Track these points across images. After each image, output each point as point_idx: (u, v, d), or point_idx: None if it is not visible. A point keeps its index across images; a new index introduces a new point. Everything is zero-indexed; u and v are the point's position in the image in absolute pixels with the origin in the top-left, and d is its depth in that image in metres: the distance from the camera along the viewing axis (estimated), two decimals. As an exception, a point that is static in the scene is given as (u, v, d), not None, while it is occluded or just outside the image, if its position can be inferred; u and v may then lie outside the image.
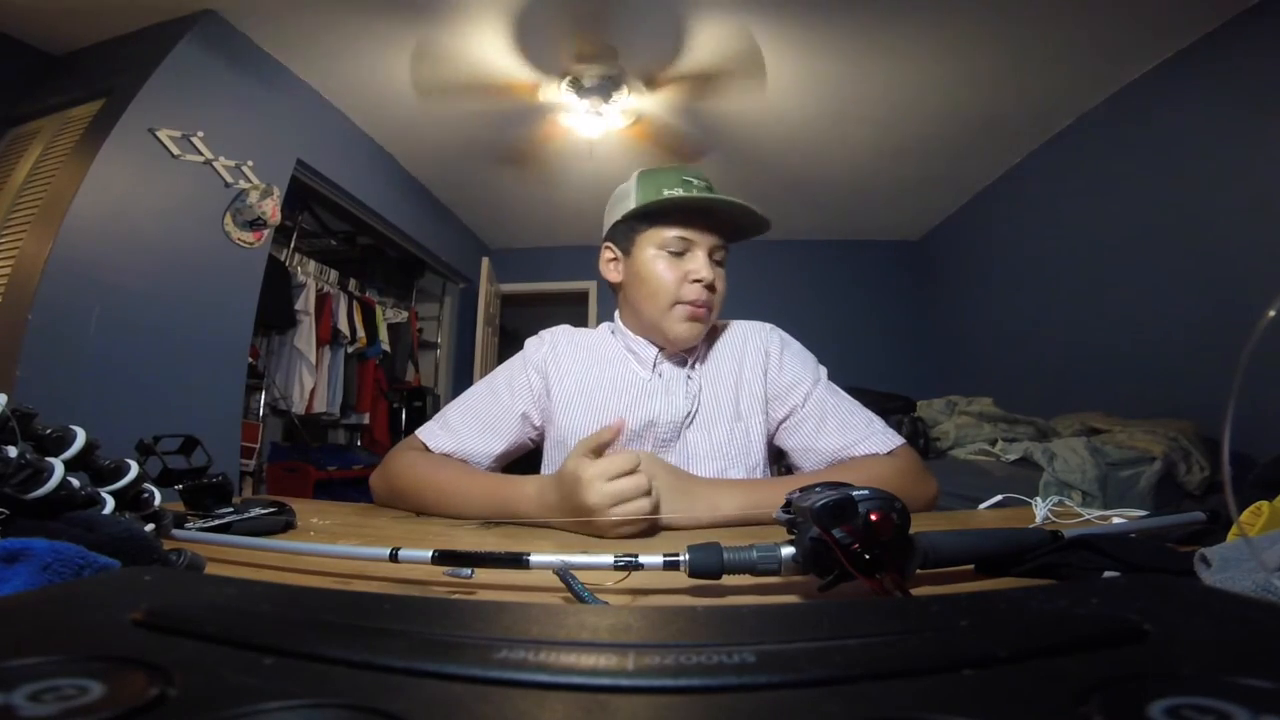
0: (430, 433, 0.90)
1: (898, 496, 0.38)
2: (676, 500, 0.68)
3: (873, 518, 0.36)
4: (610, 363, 0.94)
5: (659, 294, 0.88)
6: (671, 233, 0.87)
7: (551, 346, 0.96)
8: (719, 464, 0.88)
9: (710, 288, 0.87)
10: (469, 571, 0.45)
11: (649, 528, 0.64)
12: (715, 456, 0.88)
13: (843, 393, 0.91)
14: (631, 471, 0.63)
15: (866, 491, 0.38)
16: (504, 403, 0.92)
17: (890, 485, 0.41)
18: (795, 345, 0.96)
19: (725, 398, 0.90)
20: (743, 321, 0.98)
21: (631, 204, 0.89)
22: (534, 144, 3.13)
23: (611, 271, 0.95)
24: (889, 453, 0.83)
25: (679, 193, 0.86)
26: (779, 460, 0.96)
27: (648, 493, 0.63)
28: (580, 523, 0.64)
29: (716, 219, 0.88)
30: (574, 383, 0.92)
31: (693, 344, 0.91)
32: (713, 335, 0.96)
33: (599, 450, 0.66)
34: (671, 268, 0.87)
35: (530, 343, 0.98)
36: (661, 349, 0.93)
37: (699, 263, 0.86)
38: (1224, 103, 2.13)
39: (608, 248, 0.95)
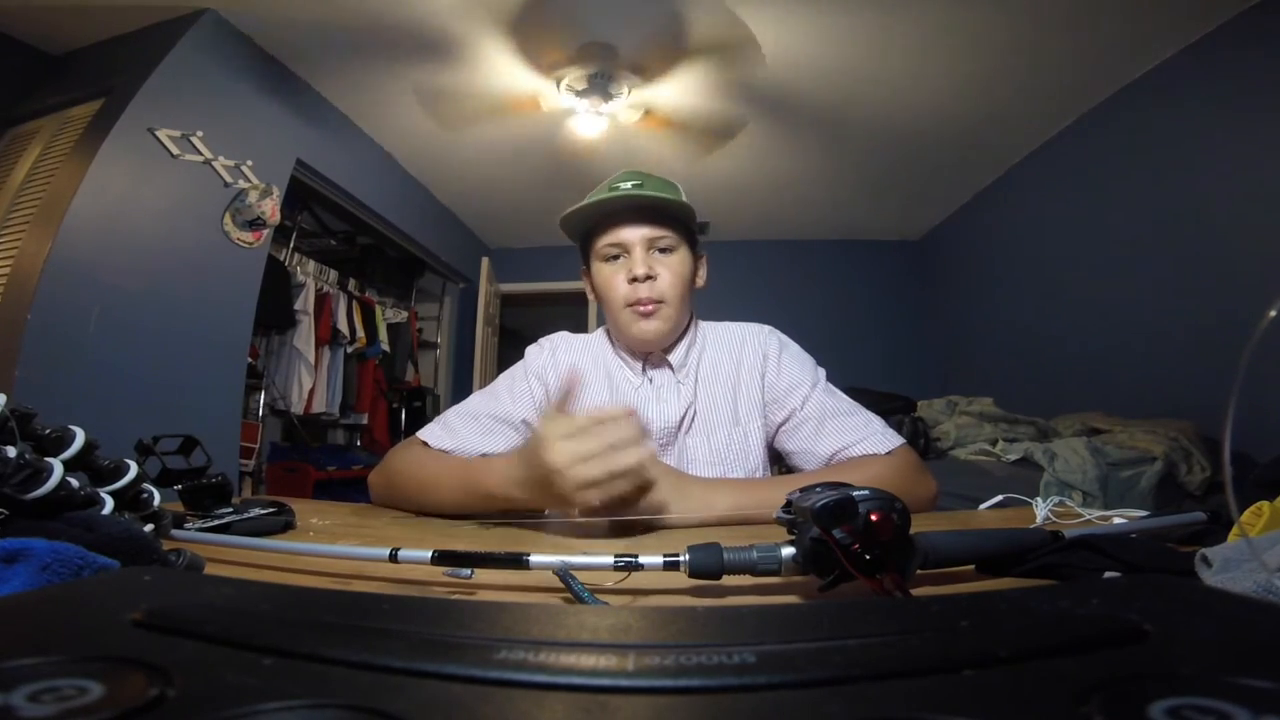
0: (431, 434, 0.90)
1: (897, 496, 0.38)
2: (669, 496, 0.68)
3: (873, 518, 0.36)
4: (606, 370, 0.95)
5: (611, 302, 0.90)
6: (602, 241, 0.89)
7: (551, 354, 0.97)
8: (718, 469, 0.88)
9: (651, 279, 0.87)
10: (469, 572, 0.45)
11: (631, 519, 0.62)
12: (714, 462, 0.88)
13: (841, 394, 0.90)
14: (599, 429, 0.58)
15: (867, 492, 0.38)
16: (505, 407, 0.93)
17: (889, 485, 0.41)
18: (794, 347, 0.95)
19: (723, 402, 0.90)
20: (740, 324, 0.98)
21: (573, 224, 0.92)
22: (537, 144, 3.13)
23: (588, 289, 0.97)
24: (888, 453, 0.83)
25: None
26: (778, 463, 0.96)
27: (623, 462, 0.58)
28: (548, 497, 0.61)
29: (645, 213, 0.88)
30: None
31: (661, 342, 0.91)
32: (708, 338, 0.96)
33: (564, 409, 0.64)
34: (614, 274, 0.89)
35: (531, 350, 0.99)
36: (648, 355, 0.93)
37: (634, 261, 0.87)
38: (1226, 102, 2.12)
39: (583, 268, 0.97)
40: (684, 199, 0.89)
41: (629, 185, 0.87)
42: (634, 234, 0.87)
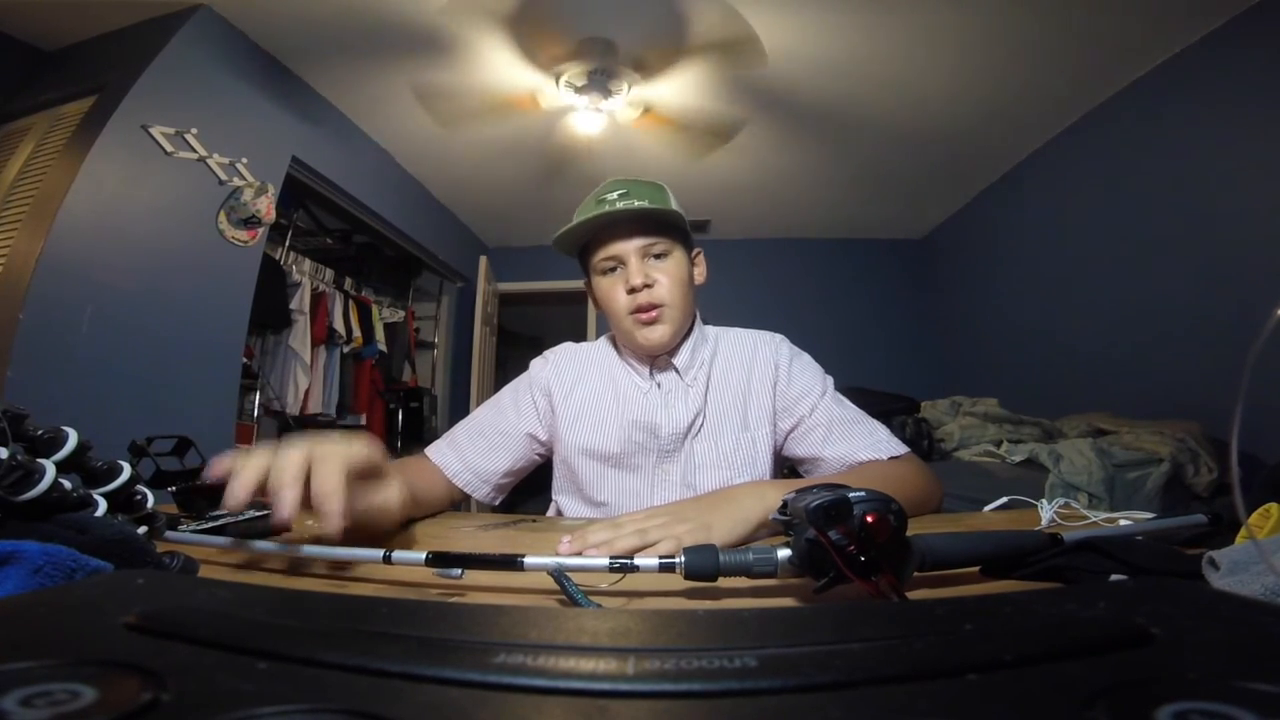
0: (438, 450, 0.92)
1: (903, 499, 0.38)
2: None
3: (868, 519, 0.36)
4: (612, 376, 0.95)
5: (613, 314, 0.91)
6: (598, 255, 0.90)
7: (555, 366, 0.98)
8: (725, 473, 0.88)
9: (649, 286, 0.87)
10: (458, 572, 0.44)
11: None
12: (722, 465, 0.88)
13: (848, 402, 0.91)
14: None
15: (863, 493, 0.38)
16: (510, 421, 0.94)
17: (897, 486, 0.40)
18: (804, 357, 0.96)
19: (733, 408, 0.91)
20: (750, 331, 0.98)
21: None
22: (535, 142, 3.12)
23: (592, 300, 0.98)
24: (893, 459, 0.83)
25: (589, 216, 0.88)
26: (784, 468, 0.97)
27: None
28: None
29: (635, 224, 0.88)
30: (578, 398, 0.94)
31: (668, 345, 0.91)
32: (719, 343, 0.96)
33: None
34: (613, 286, 0.90)
35: (535, 364, 1.00)
36: (655, 360, 0.94)
37: (631, 271, 0.88)
38: (1232, 100, 2.12)
39: (585, 280, 0.97)
40: (672, 202, 0.90)
41: (615, 196, 0.88)
42: (627, 246, 0.88)
